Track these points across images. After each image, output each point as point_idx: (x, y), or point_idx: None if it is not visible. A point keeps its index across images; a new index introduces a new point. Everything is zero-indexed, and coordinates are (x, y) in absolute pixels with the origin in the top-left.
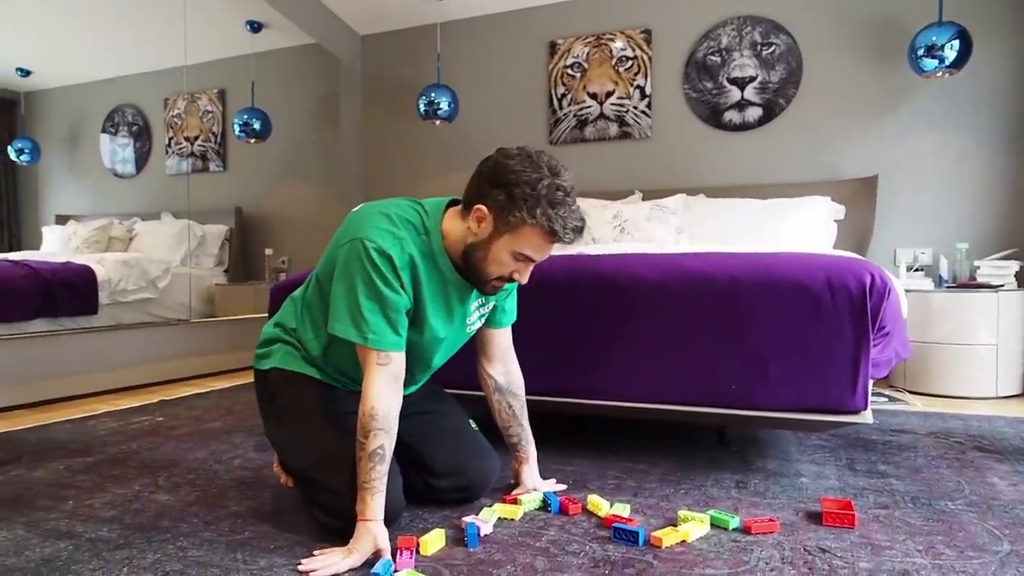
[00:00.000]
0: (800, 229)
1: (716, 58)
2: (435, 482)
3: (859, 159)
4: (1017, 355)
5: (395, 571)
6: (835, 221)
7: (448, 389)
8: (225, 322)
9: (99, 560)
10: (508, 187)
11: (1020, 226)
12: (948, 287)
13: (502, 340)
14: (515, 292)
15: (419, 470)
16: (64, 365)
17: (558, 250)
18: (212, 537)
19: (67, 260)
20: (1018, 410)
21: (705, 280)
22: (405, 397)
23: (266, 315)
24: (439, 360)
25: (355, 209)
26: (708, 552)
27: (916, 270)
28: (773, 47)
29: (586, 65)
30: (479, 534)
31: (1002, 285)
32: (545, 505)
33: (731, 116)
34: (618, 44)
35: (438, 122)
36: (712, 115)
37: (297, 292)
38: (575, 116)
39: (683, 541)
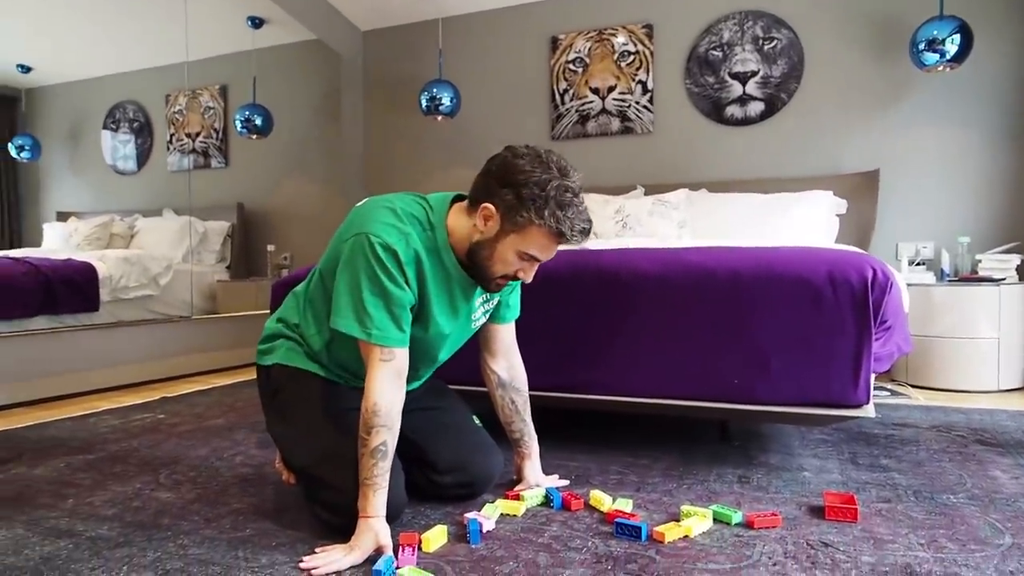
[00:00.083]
0: (802, 223)
1: (718, 53)
2: (438, 478)
3: (861, 153)
4: (1018, 348)
5: (397, 568)
6: (837, 215)
7: (451, 385)
8: (227, 319)
9: (99, 559)
10: (517, 187)
11: (1021, 220)
12: (950, 281)
13: (505, 335)
14: (519, 288)
15: (422, 466)
16: (65, 362)
17: (561, 246)
18: (213, 535)
19: (68, 257)
20: (1020, 403)
21: (707, 275)
22: (408, 393)
23: (268, 311)
24: (444, 355)
25: (359, 203)
26: (711, 547)
27: (918, 264)
28: (775, 41)
29: (588, 60)
30: (481, 530)
31: (1004, 279)
32: (547, 501)
33: (733, 111)
34: (620, 39)
35: (440, 118)
36: (714, 110)
37: (299, 287)
38: (577, 111)
39: (686, 536)
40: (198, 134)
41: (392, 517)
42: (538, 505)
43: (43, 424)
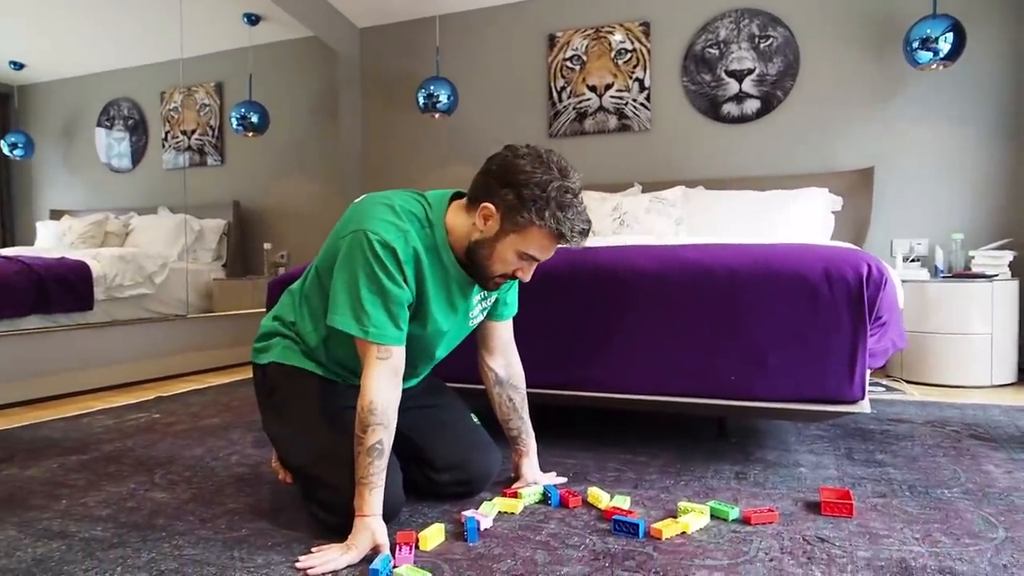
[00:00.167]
0: (798, 220)
1: (714, 51)
2: (436, 476)
3: (856, 151)
4: (1011, 344)
5: (394, 567)
6: (832, 212)
7: (449, 382)
8: (223, 317)
9: (93, 560)
10: (518, 187)
11: (1014, 216)
12: (944, 277)
13: (503, 333)
14: (516, 285)
15: (420, 464)
16: (59, 362)
17: (560, 245)
18: (208, 535)
19: (62, 256)
20: (1012, 398)
21: (704, 272)
22: (406, 391)
23: (264, 310)
24: (441, 353)
25: (357, 200)
26: (708, 543)
27: (912, 260)
28: (771, 40)
29: (585, 58)
30: (479, 528)
31: (996, 275)
32: (545, 498)
33: (729, 108)
34: (617, 37)
35: (437, 115)
36: (711, 107)
37: (295, 285)
38: (574, 109)
39: (683, 532)
40: (194, 131)
41: (390, 516)
42: (536, 503)
43: (36, 424)
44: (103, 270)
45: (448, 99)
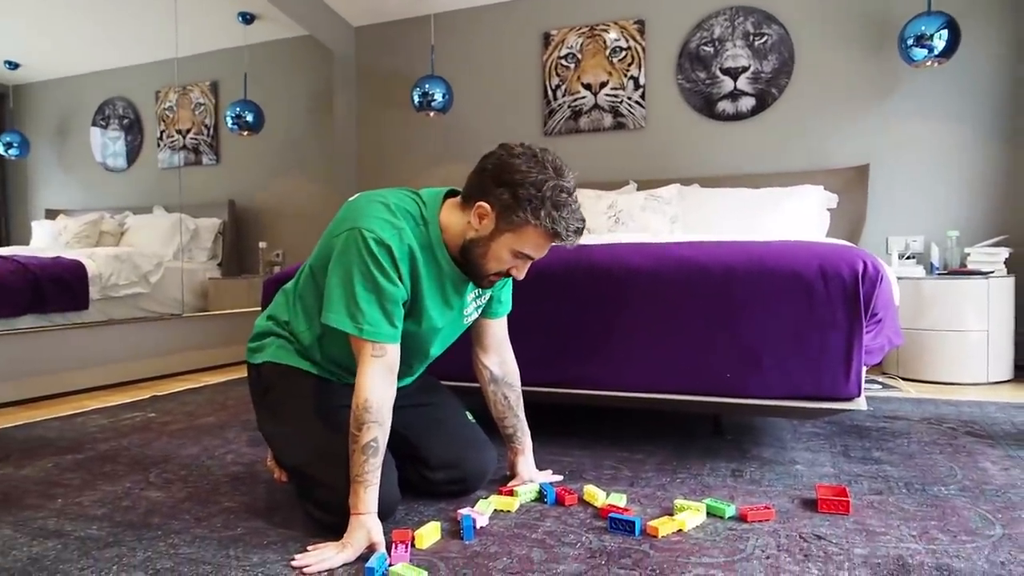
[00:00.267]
0: (793, 218)
1: (709, 48)
2: (431, 474)
3: (851, 148)
4: (1007, 341)
5: (390, 565)
6: (828, 210)
7: (444, 381)
8: (219, 316)
9: (88, 559)
10: (513, 187)
11: (1010, 213)
12: (939, 274)
13: (497, 330)
14: (511, 283)
15: (414, 462)
16: (54, 361)
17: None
18: (204, 534)
19: (57, 255)
20: (1009, 395)
21: (699, 269)
22: (401, 389)
23: (260, 309)
24: (436, 351)
25: (351, 198)
26: (704, 541)
27: (908, 258)
28: (765, 37)
29: (580, 56)
30: (475, 526)
31: (992, 272)
32: (541, 496)
33: (724, 106)
34: (612, 35)
35: (432, 114)
36: (705, 105)
37: (289, 284)
38: (569, 107)
39: (679, 530)
40: (189, 131)
41: (385, 514)
42: (532, 501)
43: (31, 424)
44: (98, 269)
45: (443, 98)
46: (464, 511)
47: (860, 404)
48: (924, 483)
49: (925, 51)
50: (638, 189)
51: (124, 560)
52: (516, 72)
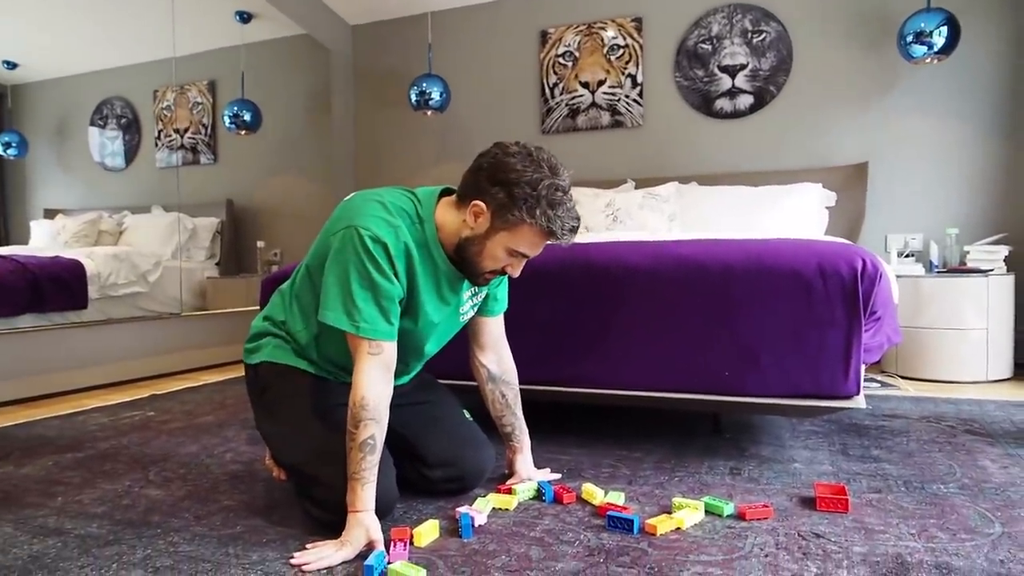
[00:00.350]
0: (792, 216)
1: (707, 46)
2: (428, 472)
3: (850, 146)
4: (1007, 339)
5: (389, 563)
6: (826, 208)
7: (442, 379)
8: (217, 315)
9: (88, 556)
10: (508, 186)
11: (1009, 211)
12: (938, 272)
13: (494, 328)
14: (506, 281)
15: (412, 461)
16: (53, 360)
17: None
18: (203, 532)
19: (56, 254)
20: (1008, 394)
21: (698, 267)
22: (399, 387)
23: (258, 308)
24: (432, 348)
25: (347, 198)
26: (703, 539)
27: (907, 256)
28: (763, 35)
29: (577, 54)
30: (473, 524)
31: (992, 270)
32: (539, 494)
33: (722, 104)
34: (609, 33)
35: (430, 112)
36: (703, 103)
37: (285, 285)
38: (567, 105)
39: (678, 528)
40: (186, 130)
41: (384, 512)
42: (530, 499)
43: (31, 423)
44: (97, 269)
45: (440, 96)
46: (462, 509)
47: (859, 402)
48: (923, 481)
49: (925, 48)
50: (636, 187)
51: (124, 558)
52: (513, 70)
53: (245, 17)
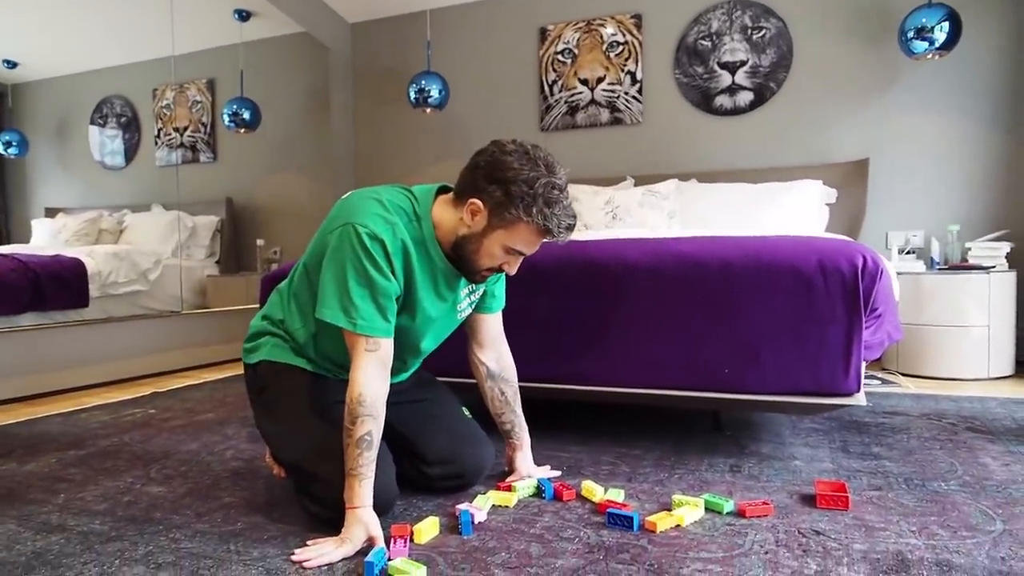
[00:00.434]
0: (792, 213)
1: (707, 43)
2: (428, 470)
3: (850, 142)
4: (1008, 336)
5: (389, 559)
6: (827, 204)
7: (441, 377)
8: (217, 313)
9: (91, 553)
10: (505, 184)
11: (1011, 207)
12: (940, 269)
13: (493, 326)
14: (504, 278)
15: (412, 458)
16: (55, 359)
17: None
18: (205, 528)
19: (57, 253)
20: (1010, 391)
21: (697, 265)
22: (397, 385)
23: (258, 306)
24: (429, 346)
25: (344, 196)
26: (703, 536)
27: (908, 252)
28: (763, 31)
29: (577, 51)
30: (473, 521)
31: (993, 266)
32: (539, 492)
33: (722, 101)
34: (609, 29)
35: (429, 110)
36: (703, 100)
37: (283, 284)
38: (566, 102)
39: (678, 525)
40: (186, 128)
41: (383, 509)
42: (530, 496)
43: (33, 420)
44: (98, 267)
45: (439, 94)
46: (462, 506)
47: (859, 400)
48: (924, 479)
49: (926, 44)
50: (636, 185)
51: (126, 554)
52: (512, 68)
53: (244, 15)
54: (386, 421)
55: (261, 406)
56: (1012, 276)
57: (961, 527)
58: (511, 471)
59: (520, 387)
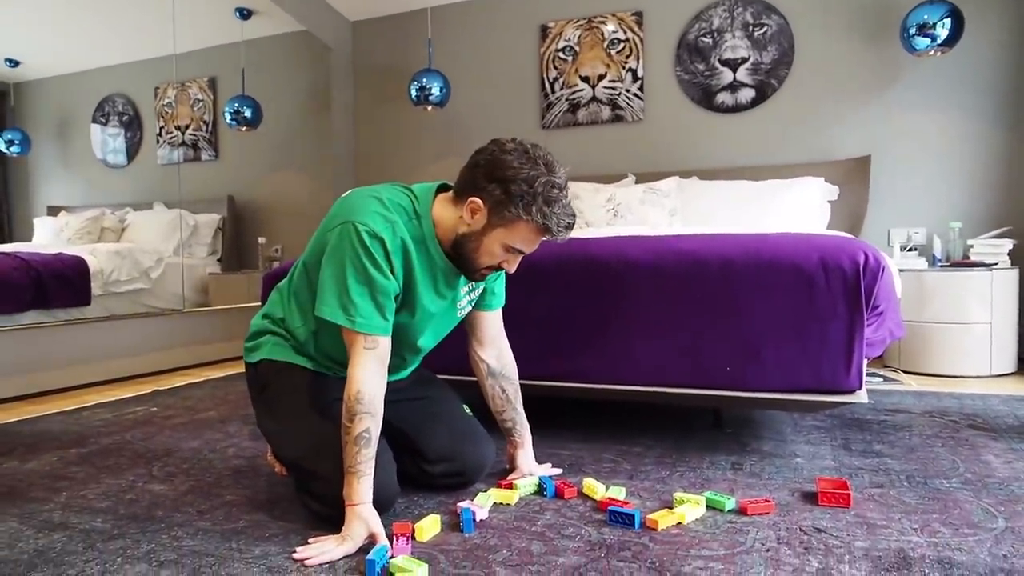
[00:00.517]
0: (794, 210)
1: (708, 40)
2: (429, 468)
3: (852, 139)
4: (1011, 333)
5: (391, 557)
6: (829, 202)
7: (441, 375)
8: (219, 311)
9: (93, 551)
10: (505, 183)
11: (1013, 204)
12: (942, 266)
13: (493, 323)
14: (503, 275)
15: (413, 456)
16: (57, 357)
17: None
18: (207, 526)
19: (59, 251)
20: (1012, 388)
21: (698, 262)
22: (397, 383)
23: (259, 304)
24: (428, 343)
25: (344, 195)
26: (704, 534)
27: (910, 250)
28: (765, 28)
29: (578, 48)
30: (475, 519)
31: (996, 263)
32: (541, 489)
33: (724, 98)
34: (609, 27)
35: (430, 108)
36: (704, 97)
37: (283, 282)
38: (567, 100)
39: (679, 523)
40: (187, 127)
41: (385, 507)
42: (531, 494)
43: (35, 418)
44: (100, 265)
45: (440, 91)
46: (464, 504)
47: (861, 397)
48: (926, 476)
49: (928, 40)
50: (637, 182)
51: (128, 552)
52: (513, 65)
53: (245, 14)
54: (387, 419)
55: (262, 404)
56: (1014, 273)
57: (963, 524)
58: (512, 469)
59: (521, 385)
